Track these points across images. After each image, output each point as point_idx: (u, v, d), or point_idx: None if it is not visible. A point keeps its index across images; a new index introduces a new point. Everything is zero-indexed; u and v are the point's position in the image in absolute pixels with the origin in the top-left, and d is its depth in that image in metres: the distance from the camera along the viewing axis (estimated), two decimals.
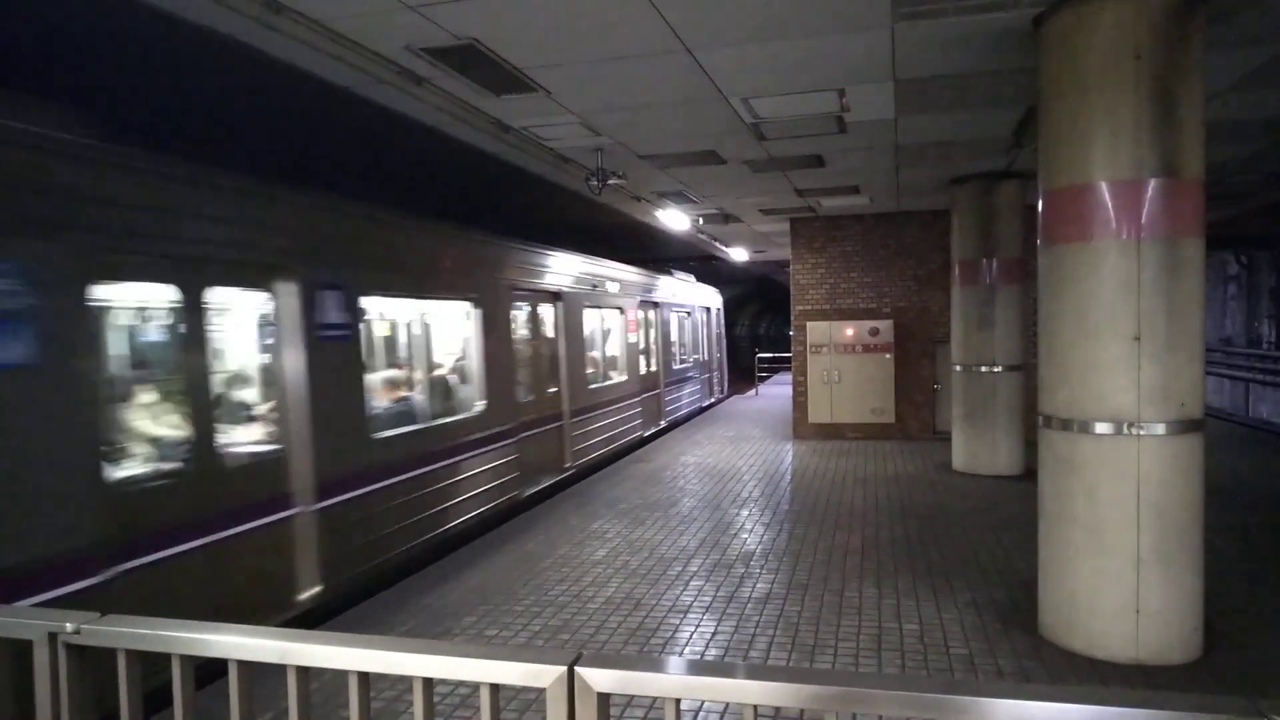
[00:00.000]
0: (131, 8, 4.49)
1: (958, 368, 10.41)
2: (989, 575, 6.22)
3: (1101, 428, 4.55)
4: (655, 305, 15.39)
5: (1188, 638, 4.58)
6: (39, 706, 1.97)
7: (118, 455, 4.61)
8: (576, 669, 1.62)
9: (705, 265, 21.41)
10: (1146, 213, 4.40)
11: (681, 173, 9.37)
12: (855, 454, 11.88)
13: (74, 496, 4.10)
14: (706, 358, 20.25)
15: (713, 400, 20.61)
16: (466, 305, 8.29)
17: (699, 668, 1.78)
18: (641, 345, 14.45)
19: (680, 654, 4.96)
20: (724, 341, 22.90)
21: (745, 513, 8.43)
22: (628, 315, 13.67)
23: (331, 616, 5.76)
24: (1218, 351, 19.17)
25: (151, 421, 5.04)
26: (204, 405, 5.05)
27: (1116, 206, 4.45)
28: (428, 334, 8.34)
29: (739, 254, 19.16)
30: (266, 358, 5.75)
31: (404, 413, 7.43)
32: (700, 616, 5.54)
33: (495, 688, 1.71)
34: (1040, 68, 4.87)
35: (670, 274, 17.21)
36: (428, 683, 1.76)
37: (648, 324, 14.95)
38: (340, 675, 1.80)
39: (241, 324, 5.79)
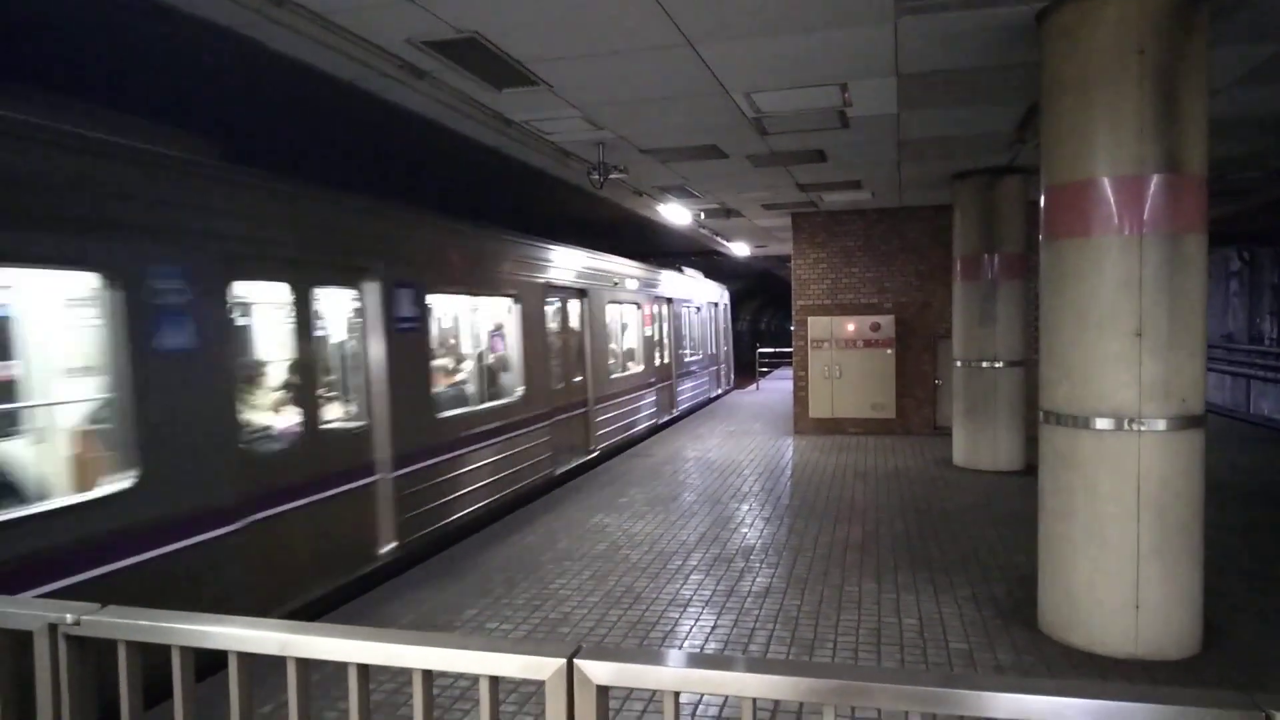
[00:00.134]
0: None
1: (959, 363, 10.41)
2: (989, 570, 6.23)
3: (1102, 423, 4.55)
4: (668, 301, 16.19)
5: (1187, 633, 4.59)
6: (39, 698, 1.97)
7: (249, 426, 5.46)
8: (576, 661, 1.62)
9: (707, 260, 21.46)
10: (1149, 208, 4.39)
11: (683, 167, 9.36)
12: (856, 449, 11.88)
13: (220, 459, 4.97)
14: (714, 351, 21.07)
15: (720, 391, 21.21)
16: (508, 301, 9.19)
17: (698, 661, 1.79)
18: (656, 339, 15.32)
19: (680, 647, 4.97)
20: (730, 336, 23.67)
21: (745, 507, 8.44)
22: (644, 310, 14.54)
23: (402, 571, 6.52)
24: (1219, 348, 19.15)
25: (271, 398, 5.92)
26: (310, 386, 5.96)
27: (1119, 202, 4.45)
28: (476, 326, 9.15)
29: (740, 249, 19.14)
30: (355, 346, 6.58)
31: (459, 396, 8.35)
32: (700, 610, 5.55)
33: (495, 680, 1.71)
34: (1043, 63, 4.85)
35: (680, 271, 17.97)
36: (427, 675, 1.76)
37: (662, 319, 15.78)
38: (341, 667, 1.80)
39: (337, 318, 6.61)
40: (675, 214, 12.28)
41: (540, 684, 1.64)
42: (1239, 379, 19.03)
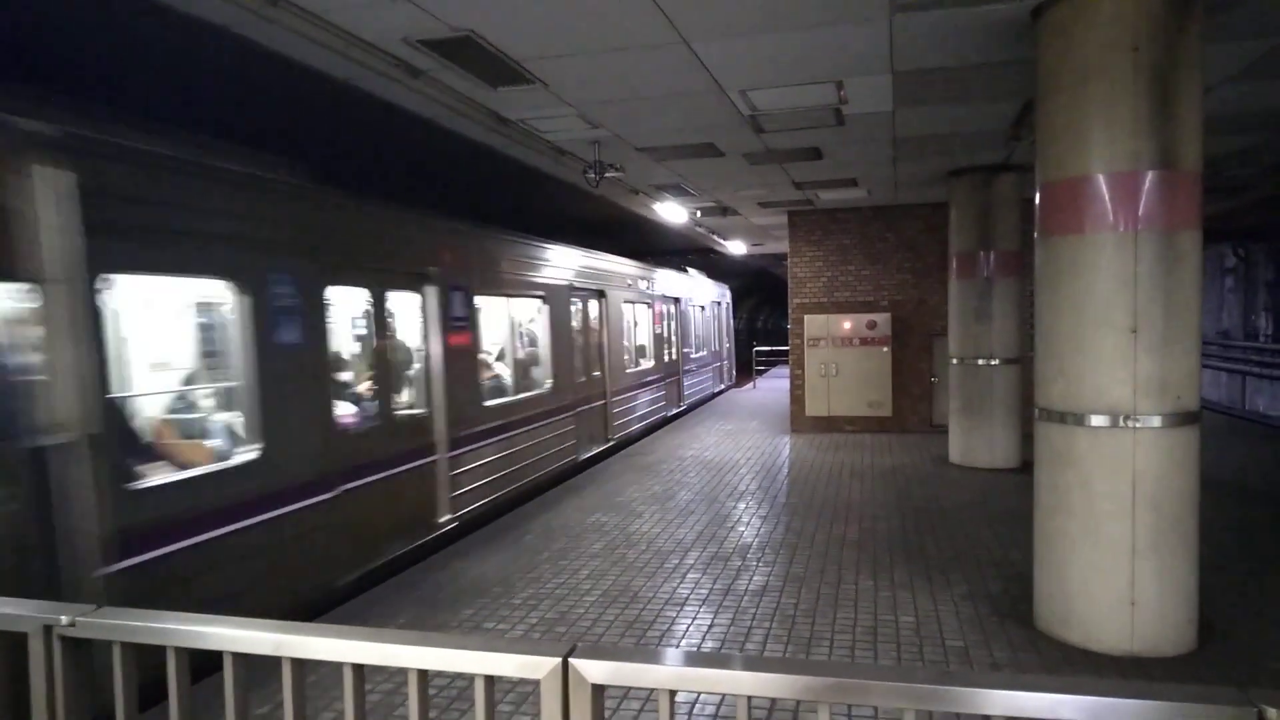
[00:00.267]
0: None
1: (955, 361, 10.42)
2: (985, 568, 6.24)
3: (1097, 420, 4.55)
4: (676, 301, 17.14)
5: (1182, 630, 4.60)
6: (34, 700, 1.96)
7: (340, 410, 6.32)
8: (571, 661, 1.62)
9: (704, 259, 21.49)
10: (1144, 205, 4.39)
11: (679, 165, 9.35)
12: (852, 447, 11.90)
13: (320, 437, 5.85)
14: (718, 348, 22.07)
15: (723, 386, 22.09)
16: (538, 302, 10.09)
17: (693, 659, 1.79)
18: (665, 336, 16.35)
19: (677, 646, 4.97)
20: (732, 333, 24.70)
21: (742, 506, 8.44)
22: (655, 309, 15.55)
23: (456, 540, 7.39)
24: (1215, 344, 19.20)
25: (355, 387, 6.91)
26: (385, 377, 6.87)
27: (1114, 199, 4.45)
28: (513, 324, 9.93)
29: (737, 247, 19.16)
30: (418, 343, 7.44)
31: (499, 387, 9.24)
32: (697, 609, 5.55)
33: (490, 679, 1.71)
34: (1038, 60, 4.85)
35: (685, 271, 18.77)
36: (422, 674, 1.76)
37: (670, 317, 16.75)
38: (338, 668, 1.80)
39: (404, 318, 7.40)
40: (671, 212, 12.28)
41: (536, 683, 1.64)
42: (1234, 375, 19.09)
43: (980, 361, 10.09)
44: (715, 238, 17.42)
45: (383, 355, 6.83)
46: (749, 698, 1.59)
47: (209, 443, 5.39)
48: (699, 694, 4.12)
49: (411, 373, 7.47)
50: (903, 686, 1.52)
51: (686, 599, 5.74)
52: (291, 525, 5.47)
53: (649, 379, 14.86)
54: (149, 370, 5.90)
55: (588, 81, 6.08)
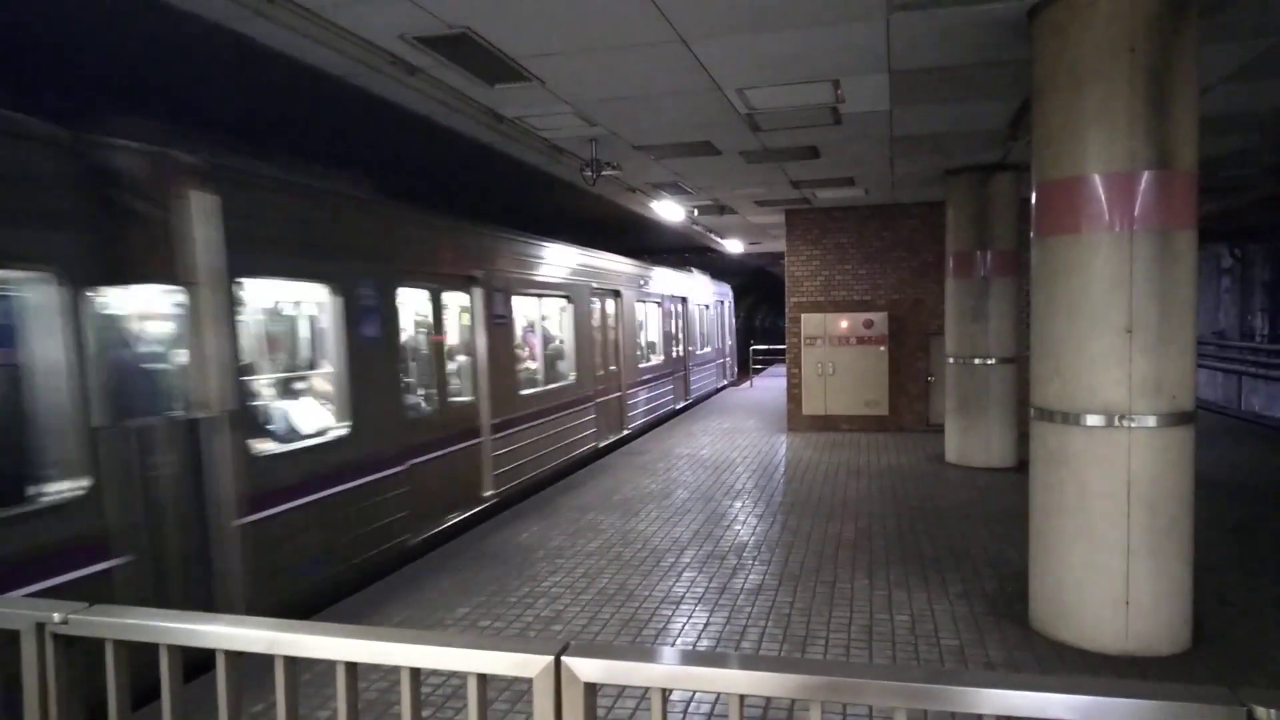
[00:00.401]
0: None
1: (951, 360, 10.43)
2: (980, 567, 6.25)
3: (1093, 420, 4.56)
4: (683, 300, 17.93)
5: (1177, 629, 4.61)
6: (26, 698, 1.96)
7: (408, 397, 7.30)
8: (563, 659, 1.62)
9: (701, 258, 21.50)
10: (1139, 205, 4.40)
11: (676, 164, 9.35)
12: (849, 446, 11.91)
13: (394, 417, 6.82)
14: (721, 345, 22.88)
15: (726, 383, 22.75)
16: (563, 301, 10.98)
17: (686, 658, 1.79)
18: (674, 334, 17.19)
19: (672, 645, 4.97)
20: (734, 331, 25.50)
21: (738, 504, 8.45)
22: (664, 308, 16.42)
23: (498, 512, 8.32)
24: (1211, 344, 19.24)
25: (418, 376, 7.74)
26: (442, 366, 7.89)
27: (1109, 199, 4.45)
28: (543, 321, 10.86)
29: (734, 246, 19.16)
30: (467, 337, 8.50)
31: (531, 378, 10.11)
32: (692, 608, 5.56)
33: (483, 678, 1.71)
34: (1034, 60, 4.86)
35: (691, 271, 19.47)
36: (415, 673, 1.76)
37: (678, 316, 17.61)
38: (333, 665, 1.80)
39: (455, 315, 8.50)
40: (669, 211, 12.28)
41: (530, 681, 1.64)
42: (1230, 375, 19.13)
43: (977, 361, 10.10)
44: (713, 236, 17.42)
45: (440, 348, 7.89)
46: (740, 696, 1.59)
47: (312, 420, 6.21)
48: (694, 693, 4.12)
49: (462, 364, 8.48)
50: (894, 685, 1.53)
51: (682, 598, 5.74)
52: (374, 492, 6.42)
53: (659, 374, 15.73)
54: (266, 358, 6.62)
55: (584, 79, 6.08)
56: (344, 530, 6.04)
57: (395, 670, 1.78)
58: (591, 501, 8.69)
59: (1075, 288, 4.61)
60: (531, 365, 10.26)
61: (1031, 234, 4.98)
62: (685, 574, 6.23)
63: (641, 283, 14.62)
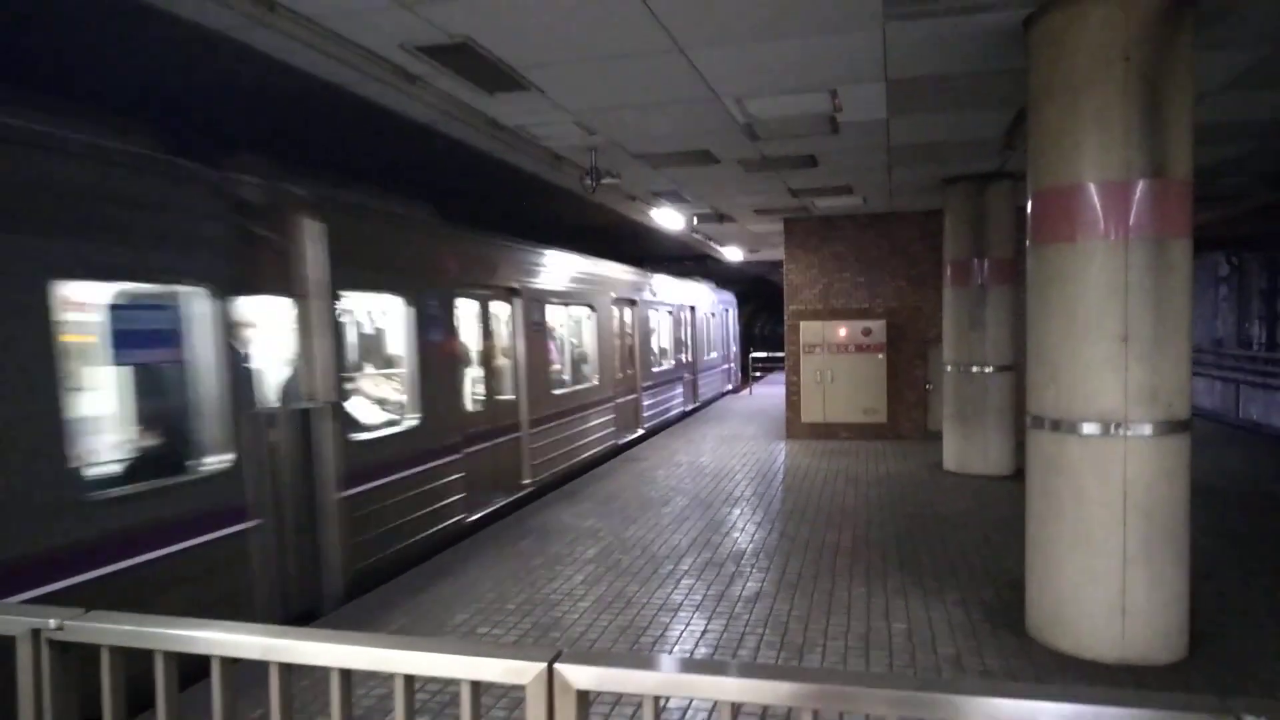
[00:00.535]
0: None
1: (949, 368, 10.44)
2: (978, 575, 6.24)
3: (1089, 428, 4.57)
4: (692, 308, 18.88)
5: (1174, 637, 4.61)
6: (21, 704, 1.96)
7: (464, 391, 8.24)
8: (556, 666, 1.62)
9: (700, 266, 21.57)
10: (1134, 213, 4.42)
11: (675, 172, 9.38)
12: (847, 454, 11.91)
13: (456, 413, 7.85)
14: (726, 351, 23.82)
15: (730, 388, 23.38)
16: (588, 309, 11.94)
17: (680, 665, 1.79)
18: (683, 340, 18.16)
19: (670, 652, 4.97)
20: (738, 338, 26.25)
21: (737, 512, 8.44)
22: (675, 316, 17.40)
23: (534, 499, 9.21)
24: (1209, 353, 19.27)
25: (471, 377, 8.62)
26: (490, 369, 8.97)
27: (1105, 207, 4.47)
28: (569, 328, 11.82)
29: (733, 254, 19.20)
30: (508, 342, 9.45)
31: (560, 380, 11.06)
32: (690, 615, 5.55)
33: (476, 685, 1.71)
34: (1030, 69, 4.88)
35: (698, 281, 20.42)
36: (409, 680, 1.76)
37: (687, 323, 18.51)
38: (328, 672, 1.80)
39: (500, 322, 9.42)
40: (669, 219, 12.30)
41: (524, 688, 1.65)
42: (1228, 383, 19.14)
43: (974, 369, 10.10)
44: (712, 244, 17.45)
45: (488, 351, 8.93)
46: (732, 704, 1.60)
47: (391, 412, 7.22)
48: (690, 700, 4.12)
49: (505, 366, 9.42)
50: (886, 693, 1.53)
51: (680, 605, 5.74)
52: (439, 475, 7.39)
53: (671, 377, 16.72)
54: (356, 358, 7.72)
55: (584, 89, 6.10)
56: (417, 506, 6.99)
57: (391, 677, 1.78)
58: (590, 508, 8.68)
59: (1071, 296, 4.62)
60: (559, 368, 11.14)
61: (1027, 242, 5.00)
62: (684, 581, 6.22)
63: (655, 292, 15.58)
